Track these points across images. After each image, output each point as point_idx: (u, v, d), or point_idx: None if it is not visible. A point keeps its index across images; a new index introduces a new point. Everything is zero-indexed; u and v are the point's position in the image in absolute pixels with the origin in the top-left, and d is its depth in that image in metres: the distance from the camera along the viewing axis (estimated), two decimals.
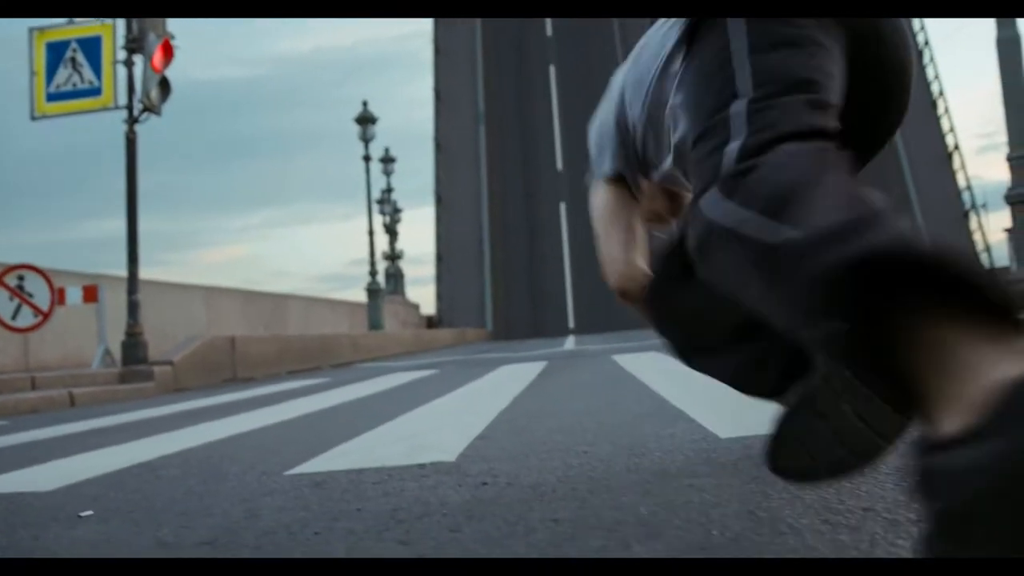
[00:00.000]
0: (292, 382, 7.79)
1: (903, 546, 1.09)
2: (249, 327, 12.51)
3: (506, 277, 33.58)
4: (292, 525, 1.56)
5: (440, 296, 33.01)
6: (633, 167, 1.53)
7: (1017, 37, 11.88)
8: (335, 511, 1.65)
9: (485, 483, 1.81)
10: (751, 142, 0.97)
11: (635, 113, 1.43)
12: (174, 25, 9.26)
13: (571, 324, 32.18)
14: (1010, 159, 11.38)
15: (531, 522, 1.41)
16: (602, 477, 1.76)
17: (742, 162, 0.94)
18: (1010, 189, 11.33)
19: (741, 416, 2.51)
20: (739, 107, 1.01)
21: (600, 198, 1.61)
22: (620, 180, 1.58)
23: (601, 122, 1.59)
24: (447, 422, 3.13)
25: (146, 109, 8.92)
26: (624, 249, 1.56)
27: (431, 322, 31.49)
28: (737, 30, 1.07)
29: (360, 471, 2.12)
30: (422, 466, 2.11)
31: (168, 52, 8.82)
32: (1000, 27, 11.91)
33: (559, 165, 35.50)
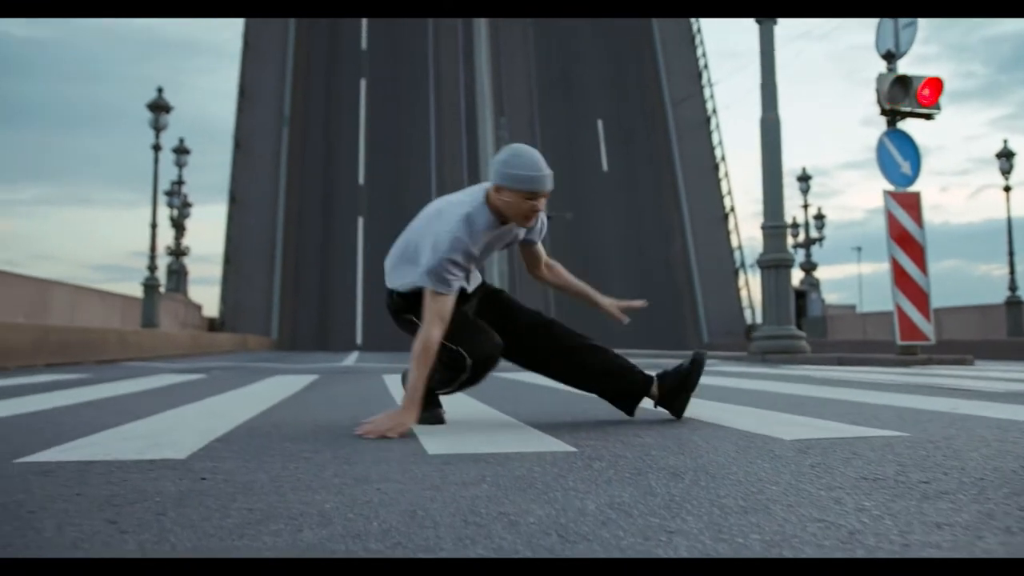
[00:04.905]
0: (47, 375, 7.47)
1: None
2: (4, 313, 11.71)
3: (296, 286, 33.04)
4: (8, 504, 1.71)
5: (225, 299, 31.96)
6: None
7: (777, 119, 13.30)
8: (54, 495, 1.81)
9: (204, 478, 2.02)
10: None
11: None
12: None
13: (359, 340, 32.02)
14: (764, 227, 12.77)
15: (229, 510, 1.65)
16: (308, 478, 2.02)
17: None
18: (762, 255, 12.72)
19: (464, 439, 2.86)
20: None
21: (449, 304, 2.91)
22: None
23: (434, 242, 2.92)
24: (193, 424, 3.27)
25: None
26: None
27: (213, 325, 30.43)
28: None
29: (89, 463, 2.26)
30: (152, 462, 2.28)
31: None
32: (764, 108, 13.31)
33: (361, 179, 35.46)
